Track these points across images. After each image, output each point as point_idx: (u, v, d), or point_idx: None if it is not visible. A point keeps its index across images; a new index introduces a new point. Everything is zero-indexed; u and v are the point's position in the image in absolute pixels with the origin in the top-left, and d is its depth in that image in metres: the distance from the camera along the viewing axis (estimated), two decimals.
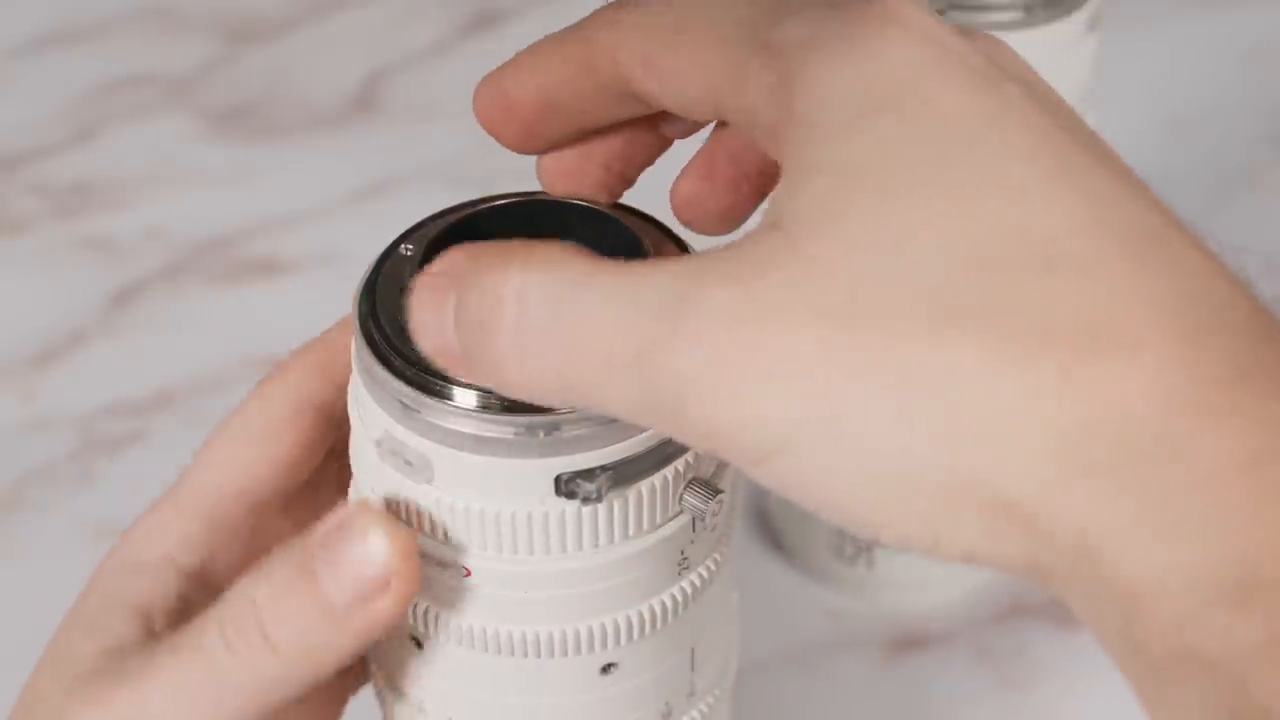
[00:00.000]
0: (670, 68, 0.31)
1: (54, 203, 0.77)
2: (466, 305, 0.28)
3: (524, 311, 0.27)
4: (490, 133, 0.33)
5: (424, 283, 0.29)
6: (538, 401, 0.29)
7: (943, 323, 0.25)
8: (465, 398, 0.31)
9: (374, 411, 0.33)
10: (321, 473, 0.39)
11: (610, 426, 0.32)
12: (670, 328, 0.26)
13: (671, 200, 0.34)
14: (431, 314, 0.29)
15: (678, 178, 0.34)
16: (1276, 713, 0.24)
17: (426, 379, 0.32)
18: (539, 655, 0.34)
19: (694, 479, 0.33)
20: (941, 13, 0.46)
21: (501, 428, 0.31)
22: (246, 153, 0.80)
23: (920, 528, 0.26)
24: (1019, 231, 0.25)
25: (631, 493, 0.33)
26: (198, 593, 0.37)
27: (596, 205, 0.35)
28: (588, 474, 0.32)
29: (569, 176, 0.34)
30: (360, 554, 0.32)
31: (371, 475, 0.34)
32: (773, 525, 0.61)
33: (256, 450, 0.38)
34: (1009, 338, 0.25)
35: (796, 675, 0.57)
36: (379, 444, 0.33)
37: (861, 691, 0.57)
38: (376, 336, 0.32)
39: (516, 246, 0.28)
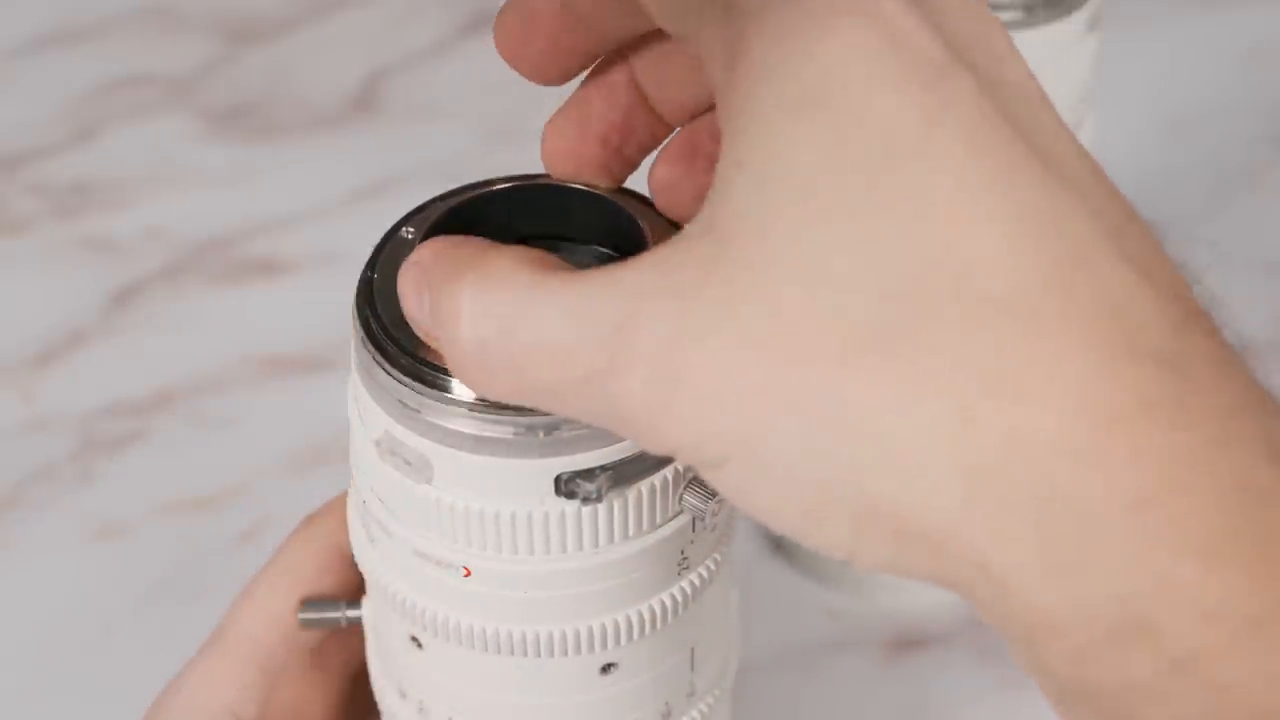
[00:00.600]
0: None
1: (54, 203, 0.77)
2: (435, 307, 0.29)
3: (475, 327, 0.28)
4: (510, 60, 0.33)
5: (405, 272, 0.30)
6: (493, 399, 0.30)
7: (856, 354, 0.25)
8: (463, 391, 0.31)
9: (373, 411, 0.33)
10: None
11: None
12: (609, 355, 0.27)
13: (650, 186, 0.34)
14: (413, 306, 0.30)
15: (655, 162, 0.34)
16: None
17: (424, 374, 0.31)
18: (539, 655, 0.34)
19: (693, 479, 0.33)
20: None
21: (501, 428, 0.31)
22: (246, 153, 0.80)
23: (839, 544, 0.27)
24: (939, 261, 0.25)
25: (631, 493, 0.33)
26: None
27: (597, 189, 0.34)
28: (587, 474, 0.32)
29: (571, 157, 0.34)
30: None
31: (371, 475, 0.34)
32: None
33: (302, 594, 0.39)
34: (918, 372, 0.25)
35: (796, 675, 0.57)
36: (378, 444, 0.33)
37: (861, 691, 0.57)
38: (373, 324, 0.32)
39: (475, 252, 0.29)
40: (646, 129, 0.34)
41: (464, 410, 0.31)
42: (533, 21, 0.32)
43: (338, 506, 0.40)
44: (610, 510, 0.33)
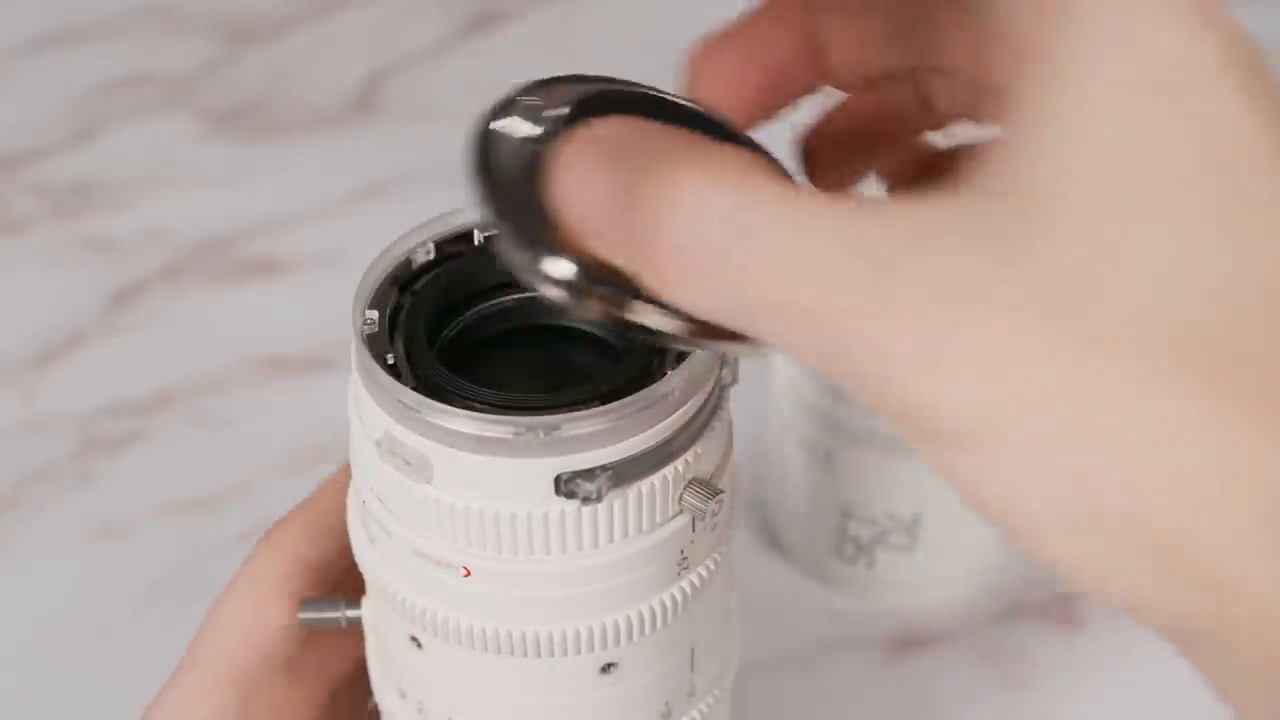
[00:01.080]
0: None
1: (54, 203, 0.77)
2: (632, 192, 0.25)
3: (696, 222, 0.24)
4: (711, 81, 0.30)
5: (582, 146, 0.26)
6: (698, 315, 0.26)
7: (1178, 364, 0.23)
8: (562, 268, 0.27)
9: (373, 411, 0.33)
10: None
11: (610, 427, 0.32)
12: (873, 291, 0.24)
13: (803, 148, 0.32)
14: (585, 185, 0.26)
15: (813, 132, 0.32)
16: None
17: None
18: (539, 655, 0.34)
19: (694, 479, 0.33)
20: None
21: (501, 427, 0.31)
22: (246, 153, 0.80)
23: (1087, 565, 0.24)
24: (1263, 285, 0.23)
25: (631, 493, 0.33)
26: None
27: (732, 125, 0.31)
28: (588, 474, 0.32)
29: (723, 83, 0.31)
30: None
31: (371, 475, 0.34)
32: (773, 525, 0.61)
33: (272, 607, 0.39)
34: (1238, 401, 0.23)
35: (796, 675, 0.57)
36: (378, 444, 0.33)
37: (861, 691, 0.57)
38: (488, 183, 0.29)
39: (696, 142, 0.25)
40: (803, 79, 0.31)
41: (464, 410, 0.31)
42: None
43: (299, 514, 0.40)
44: (610, 510, 0.33)
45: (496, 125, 0.29)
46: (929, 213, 0.24)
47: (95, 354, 0.70)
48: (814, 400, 0.55)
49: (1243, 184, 0.24)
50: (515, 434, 0.31)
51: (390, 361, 0.33)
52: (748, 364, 0.35)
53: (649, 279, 0.25)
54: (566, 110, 0.29)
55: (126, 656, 0.57)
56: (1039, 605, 0.59)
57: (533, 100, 0.29)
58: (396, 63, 0.85)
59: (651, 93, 0.31)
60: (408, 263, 0.36)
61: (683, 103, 0.31)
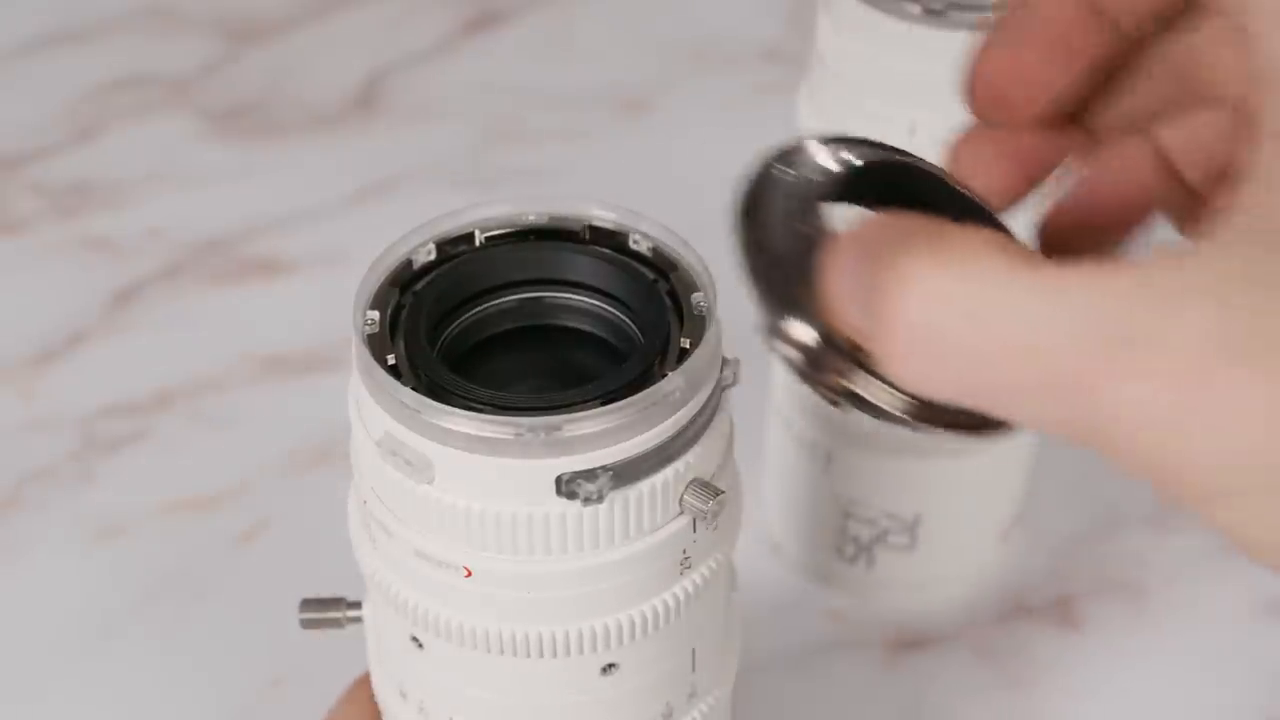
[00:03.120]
0: None
1: (54, 203, 0.77)
2: (873, 283, 0.26)
3: (927, 308, 0.25)
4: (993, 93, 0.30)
5: (844, 247, 0.27)
6: (927, 396, 0.27)
7: None
8: (805, 332, 0.28)
9: (374, 412, 0.33)
10: None
11: (611, 427, 0.32)
12: (1125, 357, 0.23)
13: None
14: (843, 283, 0.27)
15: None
16: None
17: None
18: (540, 655, 0.34)
19: (694, 480, 0.33)
20: (941, 13, 0.45)
21: (502, 428, 0.31)
22: (246, 153, 0.80)
23: None
24: None
25: (632, 493, 0.33)
26: None
27: (981, 201, 0.31)
28: (589, 474, 0.32)
29: (1009, 69, 0.31)
30: None
31: (372, 475, 0.34)
32: (773, 525, 0.61)
33: None
34: None
35: (797, 675, 0.57)
36: (379, 444, 0.33)
37: (861, 691, 0.57)
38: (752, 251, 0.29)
39: (928, 225, 0.26)
40: (1094, 42, 0.31)
41: (465, 411, 0.31)
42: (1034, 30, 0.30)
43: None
44: (611, 511, 0.33)
45: (775, 172, 0.30)
46: (1170, 267, 0.24)
47: (95, 354, 0.70)
48: (814, 400, 0.55)
49: None
50: (516, 434, 0.31)
51: (391, 362, 0.33)
52: (748, 364, 0.35)
53: (892, 370, 0.26)
54: (847, 171, 0.30)
55: (126, 656, 0.57)
56: (1039, 605, 0.59)
57: (789, 170, 0.30)
58: (396, 63, 0.85)
59: (913, 162, 0.31)
60: (409, 263, 0.36)
61: (941, 177, 0.31)
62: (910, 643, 0.58)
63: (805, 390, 0.55)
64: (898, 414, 0.28)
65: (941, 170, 0.32)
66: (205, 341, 0.70)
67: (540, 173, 0.77)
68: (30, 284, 0.73)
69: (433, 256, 0.36)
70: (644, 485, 0.33)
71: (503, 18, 0.86)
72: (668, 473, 0.33)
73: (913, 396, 0.28)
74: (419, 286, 0.35)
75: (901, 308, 0.25)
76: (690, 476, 0.33)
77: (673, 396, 0.32)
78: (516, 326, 0.36)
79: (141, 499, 0.63)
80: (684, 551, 0.34)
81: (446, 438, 0.32)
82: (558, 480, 0.32)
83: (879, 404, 0.28)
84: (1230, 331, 0.23)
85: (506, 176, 0.76)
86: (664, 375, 0.33)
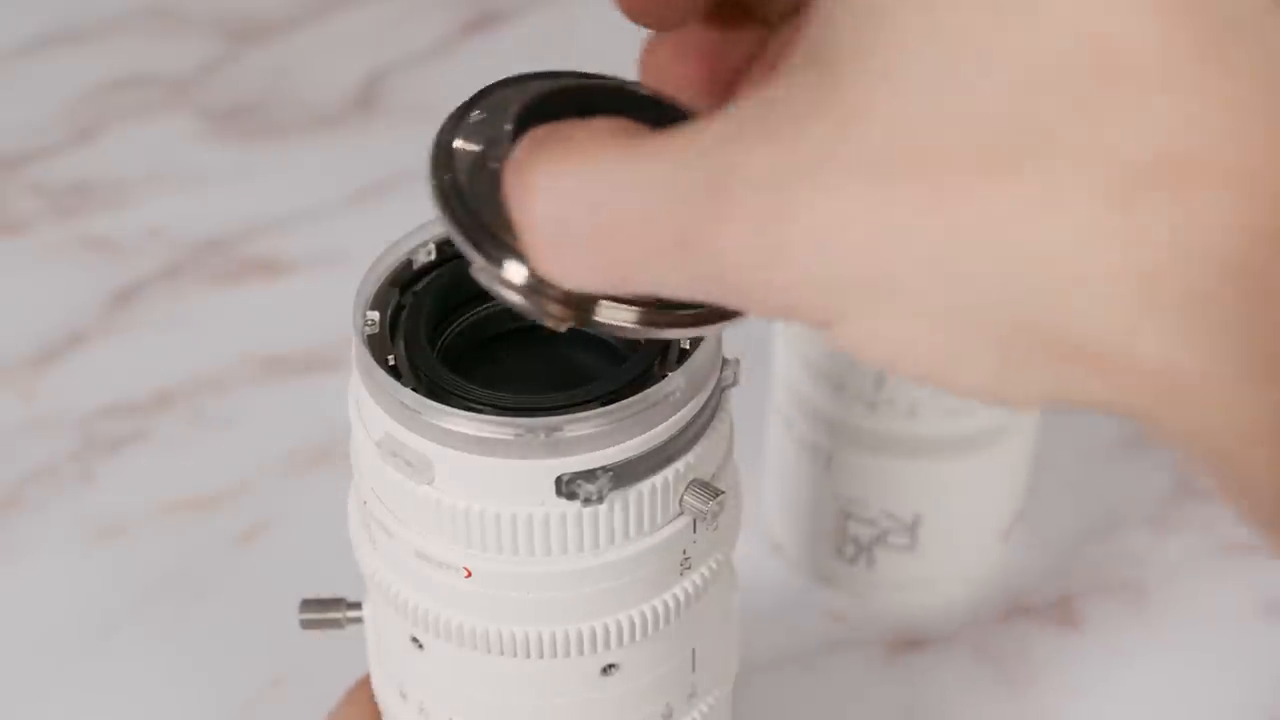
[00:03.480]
0: None
1: (54, 203, 0.77)
2: (515, 198, 0.27)
3: (551, 204, 0.26)
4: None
5: (504, 171, 0.28)
6: (583, 289, 0.27)
7: (993, 163, 0.23)
8: (515, 272, 0.28)
9: (374, 412, 0.33)
10: None
11: (611, 428, 0.32)
12: (711, 208, 0.24)
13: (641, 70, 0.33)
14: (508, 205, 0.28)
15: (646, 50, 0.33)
16: None
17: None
18: (540, 656, 0.34)
19: (694, 480, 0.33)
20: None
21: (502, 429, 0.31)
22: (246, 153, 0.80)
23: (985, 380, 0.24)
24: (1077, 44, 0.22)
25: (632, 494, 0.33)
26: None
27: (671, 100, 0.31)
28: (589, 475, 0.32)
29: (670, 73, 0.32)
30: None
31: (372, 476, 0.34)
32: (773, 525, 0.61)
33: None
34: (1067, 173, 0.22)
35: (797, 675, 0.57)
36: (379, 445, 0.33)
37: (862, 691, 0.57)
38: (454, 202, 0.29)
39: (557, 132, 0.27)
40: (745, 44, 0.32)
41: (465, 412, 0.31)
42: None
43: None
44: (611, 511, 0.33)
45: (453, 143, 0.31)
46: (741, 111, 0.25)
47: (95, 354, 0.70)
48: (814, 400, 0.55)
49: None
50: (516, 435, 0.31)
51: (391, 362, 0.33)
52: (748, 364, 0.35)
53: (541, 270, 0.27)
54: (510, 126, 0.30)
55: (126, 656, 0.57)
56: (1039, 605, 0.59)
57: (479, 114, 0.31)
58: (396, 63, 0.85)
59: (599, 83, 0.32)
60: (409, 263, 0.36)
61: (632, 89, 0.32)
62: (910, 643, 0.58)
63: (806, 390, 0.55)
64: (626, 325, 0.28)
65: (633, 83, 0.32)
66: (205, 341, 0.70)
67: None
68: (30, 284, 0.73)
69: (433, 257, 0.36)
70: (644, 486, 0.33)
71: (503, 18, 0.86)
72: (668, 473, 0.33)
73: (632, 302, 0.28)
74: (419, 287, 0.35)
75: (536, 210, 0.26)
76: (690, 477, 0.33)
77: (673, 397, 0.32)
78: (517, 327, 0.36)
79: (141, 499, 0.63)
80: (684, 552, 0.34)
81: (446, 438, 0.32)
82: (558, 481, 0.32)
83: (602, 320, 0.28)
84: (798, 162, 0.24)
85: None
86: (664, 376, 0.33)
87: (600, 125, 0.26)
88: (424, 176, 0.30)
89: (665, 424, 0.32)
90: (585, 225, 0.26)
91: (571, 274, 0.27)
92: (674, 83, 0.32)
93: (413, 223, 0.36)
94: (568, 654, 0.34)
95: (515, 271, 0.28)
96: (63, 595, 0.60)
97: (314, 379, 0.68)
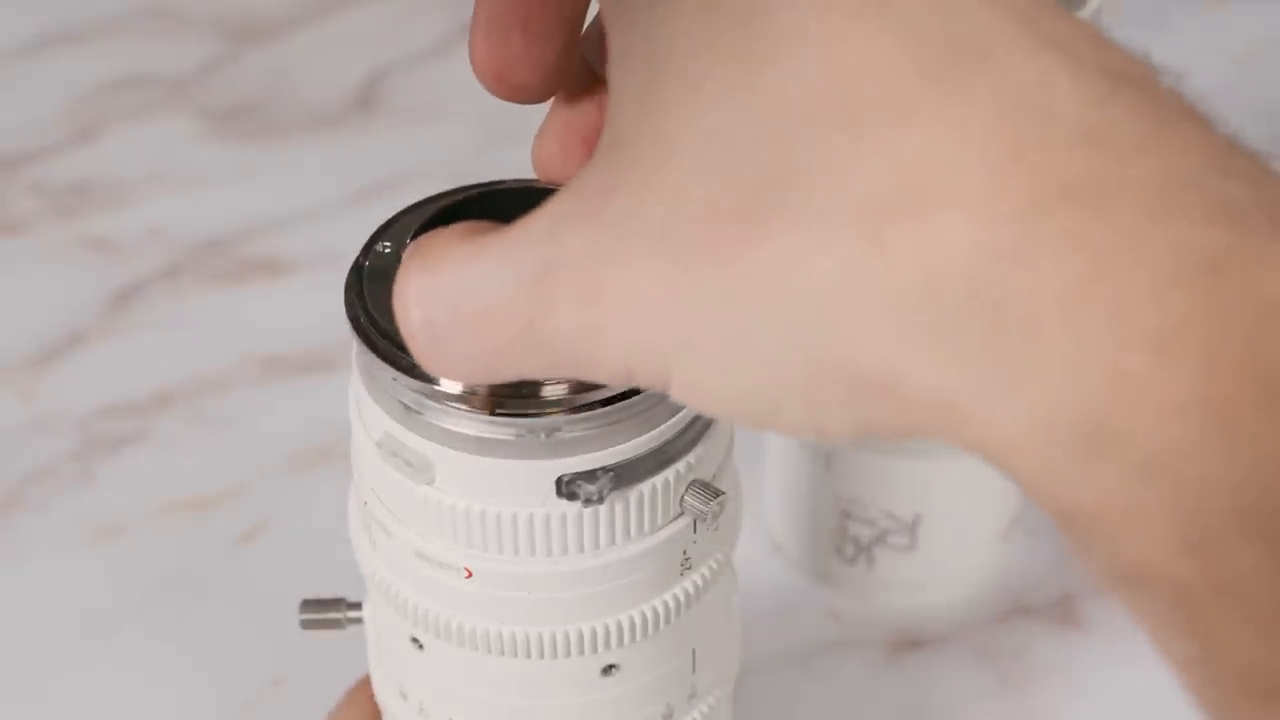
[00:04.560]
0: None
1: (54, 203, 0.77)
2: (394, 306, 0.29)
3: (422, 309, 0.28)
4: (491, 72, 0.32)
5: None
6: (466, 383, 0.30)
7: (758, 216, 0.24)
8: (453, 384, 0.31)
9: (374, 412, 0.33)
10: None
11: (611, 428, 0.32)
12: (543, 292, 0.26)
13: (534, 164, 0.34)
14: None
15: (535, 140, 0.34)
16: (1150, 566, 0.23)
17: (416, 383, 0.31)
18: (540, 656, 0.34)
19: (694, 480, 0.33)
20: None
21: (503, 429, 0.31)
22: (246, 153, 0.80)
23: (801, 422, 0.25)
24: (818, 88, 0.23)
25: (633, 494, 0.33)
26: None
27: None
28: (589, 475, 0.32)
29: (558, 162, 0.34)
30: None
31: (372, 476, 0.34)
32: (773, 525, 0.61)
33: None
34: (822, 213, 0.23)
35: (797, 675, 0.57)
36: (379, 445, 0.33)
37: (862, 691, 0.57)
38: (364, 322, 0.32)
39: (424, 241, 0.28)
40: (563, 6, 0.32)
41: (466, 412, 0.31)
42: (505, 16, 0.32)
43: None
44: (612, 511, 0.33)
45: (362, 273, 0.34)
46: (561, 197, 0.26)
47: (95, 354, 0.70)
48: None
49: (759, 22, 0.24)
50: (517, 435, 0.31)
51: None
52: None
53: (427, 370, 0.29)
54: (431, 219, 0.33)
55: (126, 656, 0.57)
56: (1039, 605, 0.59)
57: (386, 245, 0.35)
58: (396, 63, 0.85)
59: (504, 186, 0.34)
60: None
61: (538, 186, 0.34)
62: (910, 643, 0.58)
63: None
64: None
65: (532, 180, 0.34)
66: (205, 341, 0.70)
67: None
68: (30, 284, 0.73)
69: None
70: (644, 486, 0.33)
71: None
72: (668, 474, 0.33)
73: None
74: None
75: (406, 318, 0.28)
76: (690, 477, 0.33)
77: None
78: None
79: (141, 499, 0.63)
80: (684, 552, 0.34)
81: (447, 439, 0.32)
82: (558, 481, 0.32)
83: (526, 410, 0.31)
84: (598, 239, 0.25)
85: (506, 175, 0.76)
86: None
87: (453, 229, 0.28)
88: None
89: (665, 424, 0.32)
90: (448, 324, 0.27)
91: (451, 370, 0.29)
92: (560, 169, 0.33)
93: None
94: (568, 654, 0.34)
95: (449, 383, 0.31)
96: (63, 595, 0.60)
97: (314, 379, 0.68)
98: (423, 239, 0.29)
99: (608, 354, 0.26)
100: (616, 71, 0.26)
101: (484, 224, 0.28)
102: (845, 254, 0.23)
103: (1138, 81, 0.24)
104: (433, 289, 0.28)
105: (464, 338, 0.27)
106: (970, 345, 0.23)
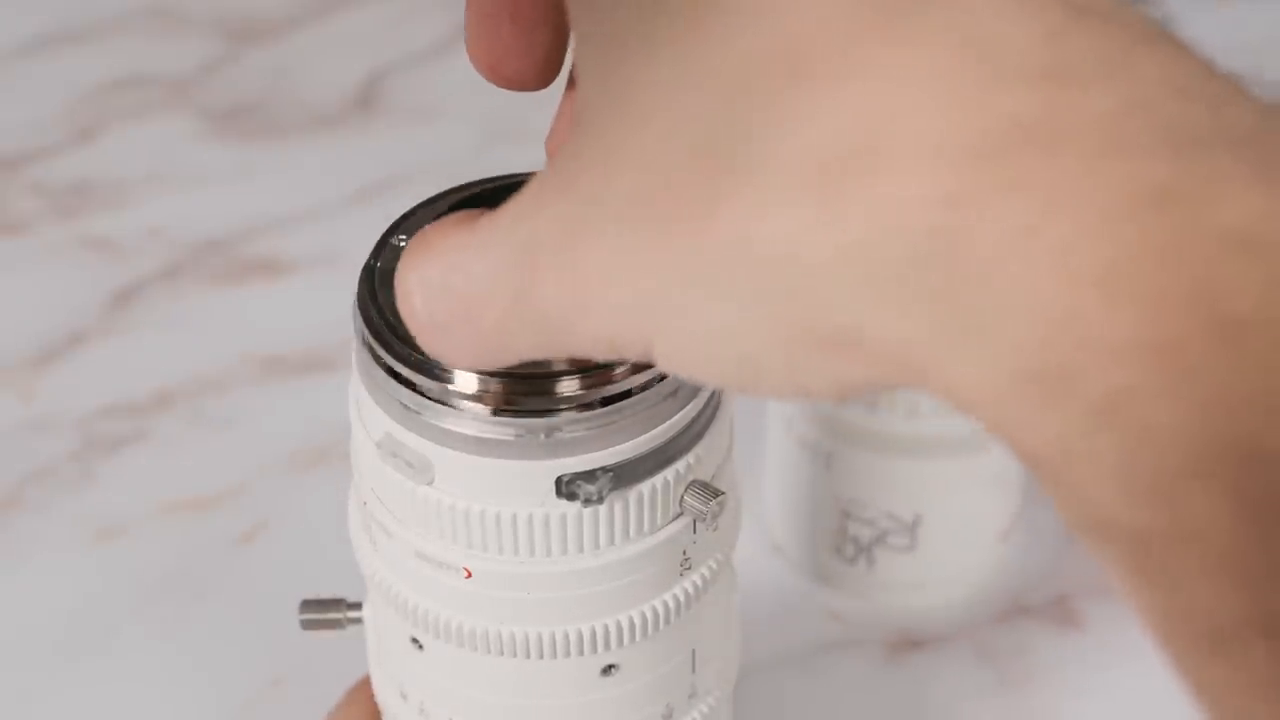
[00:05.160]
0: None
1: (54, 203, 0.77)
2: (397, 300, 0.30)
3: (423, 301, 0.28)
4: (489, 64, 0.32)
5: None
6: (469, 368, 0.31)
7: (715, 177, 0.24)
8: (466, 382, 0.31)
9: (374, 413, 0.33)
10: None
11: (611, 428, 0.32)
12: (527, 270, 0.26)
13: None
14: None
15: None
16: (1109, 515, 0.22)
17: (426, 380, 0.31)
18: (540, 656, 0.34)
19: (694, 480, 0.33)
20: None
21: (502, 429, 0.31)
22: (246, 153, 0.80)
23: (783, 383, 0.25)
24: (766, 44, 0.23)
25: (632, 494, 0.33)
26: None
27: None
28: (589, 475, 0.32)
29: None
30: None
31: (372, 476, 0.34)
32: (773, 525, 0.61)
33: None
34: (775, 171, 0.23)
35: (797, 675, 0.57)
36: (379, 445, 0.33)
37: (862, 691, 0.57)
38: (376, 319, 0.32)
39: (423, 232, 0.29)
40: None
41: (465, 412, 0.31)
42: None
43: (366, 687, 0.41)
44: (611, 512, 0.33)
45: (375, 271, 0.33)
46: (541, 176, 0.27)
47: (95, 354, 0.70)
48: (815, 401, 0.55)
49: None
50: (517, 435, 0.31)
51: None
52: None
53: (433, 356, 0.30)
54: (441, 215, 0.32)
55: (126, 656, 0.57)
56: (1039, 605, 0.59)
57: (401, 239, 0.34)
58: (396, 63, 0.85)
59: (511, 180, 0.34)
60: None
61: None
62: (910, 643, 0.58)
63: None
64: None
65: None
66: (205, 341, 0.70)
67: None
68: (30, 284, 0.73)
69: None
70: (644, 486, 0.33)
71: None
72: (668, 474, 0.33)
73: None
74: None
75: (413, 307, 0.29)
76: (690, 478, 0.33)
77: (672, 398, 0.32)
78: None
79: (141, 499, 0.63)
80: (684, 552, 0.34)
81: (446, 439, 0.32)
82: (558, 481, 0.32)
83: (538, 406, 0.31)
84: (573, 213, 0.26)
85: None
86: (664, 377, 0.33)
87: (449, 218, 0.28)
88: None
89: (665, 424, 0.32)
90: (445, 309, 0.28)
91: (453, 356, 0.30)
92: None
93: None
94: (568, 654, 0.34)
95: (464, 381, 0.31)
96: (63, 595, 0.60)
97: (314, 379, 0.68)
98: (423, 230, 0.29)
99: (590, 325, 0.26)
100: (580, 52, 0.27)
101: (478, 211, 0.28)
102: (800, 212, 0.23)
103: (1101, 10, 0.23)
104: (429, 275, 0.28)
105: (459, 320, 0.28)
106: (925, 295, 0.22)
